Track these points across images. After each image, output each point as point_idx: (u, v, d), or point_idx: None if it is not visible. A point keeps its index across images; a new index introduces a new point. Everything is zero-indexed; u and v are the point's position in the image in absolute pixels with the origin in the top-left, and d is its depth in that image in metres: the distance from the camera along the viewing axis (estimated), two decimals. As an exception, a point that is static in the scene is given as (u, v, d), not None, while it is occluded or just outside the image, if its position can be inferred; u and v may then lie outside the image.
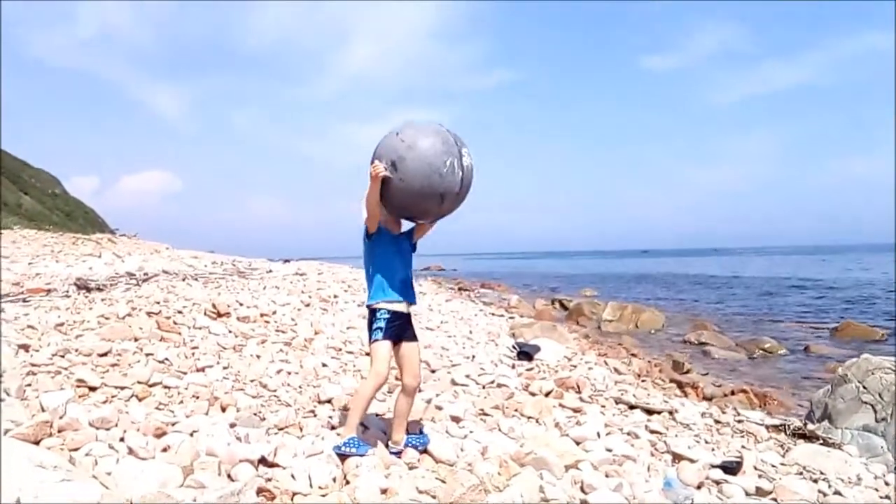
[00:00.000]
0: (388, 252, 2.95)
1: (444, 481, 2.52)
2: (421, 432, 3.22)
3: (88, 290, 6.65)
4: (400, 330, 2.93)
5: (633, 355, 9.36)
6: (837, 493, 3.31)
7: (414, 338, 3.03)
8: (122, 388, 3.28)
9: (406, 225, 3.07)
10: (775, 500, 3.12)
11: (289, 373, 4.18)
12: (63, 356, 3.59)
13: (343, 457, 2.72)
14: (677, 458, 3.52)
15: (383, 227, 2.95)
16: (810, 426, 4.67)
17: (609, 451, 3.46)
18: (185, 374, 3.77)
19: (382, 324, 2.87)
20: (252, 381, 3.87)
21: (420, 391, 3.42)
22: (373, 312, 2.92)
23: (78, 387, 3.17)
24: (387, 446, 2.98)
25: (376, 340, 2.86)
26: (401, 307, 2.93)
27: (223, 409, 3.32)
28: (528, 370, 5.73)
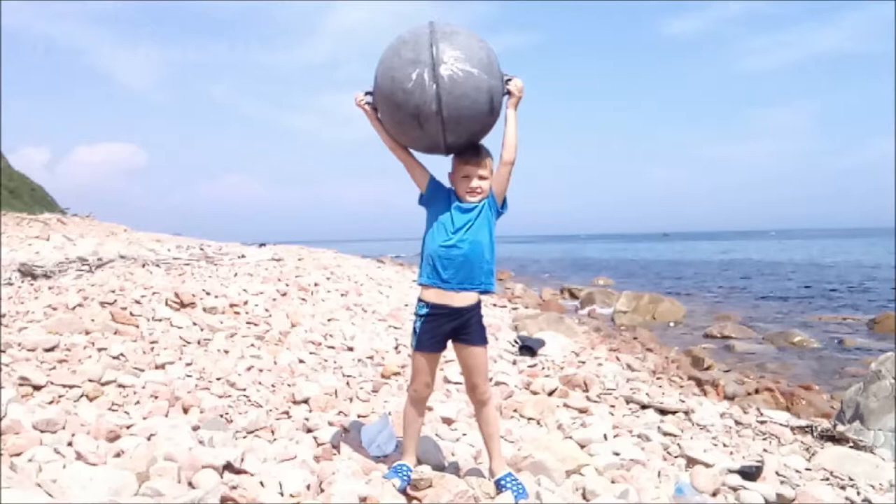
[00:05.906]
0: (443, 217, 2.63)
1: (430, 486, 2.55)
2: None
3: (34, 277, 6.64)
4: (446, 331, 2.65)
5: (649, 350, 9.46)
6: (867, 500, 3.37)
7: (475, 341, 2.69)
8: (71, 387, 3.29)
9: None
10: (798, 507, 3.18)
11: (260, 370, 4.21)
12: (4, 351, 3.59)
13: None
14: (692, 462, 3.58)
15: (445, 187, 2.69)
16: (840, 427, 4.74)
17: (616, 454, 3.51)
18: (142, 371, 3.79)
19: (417, 324, 2.68)
20: (218, 379, 3.89)
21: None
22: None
23: (21, 385, 3.18)
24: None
25: (412, 349, 2.72)
26: (445, 298, 2.62)
27: (185, 411, 3.34)
28: (530, 367, 5.78)
